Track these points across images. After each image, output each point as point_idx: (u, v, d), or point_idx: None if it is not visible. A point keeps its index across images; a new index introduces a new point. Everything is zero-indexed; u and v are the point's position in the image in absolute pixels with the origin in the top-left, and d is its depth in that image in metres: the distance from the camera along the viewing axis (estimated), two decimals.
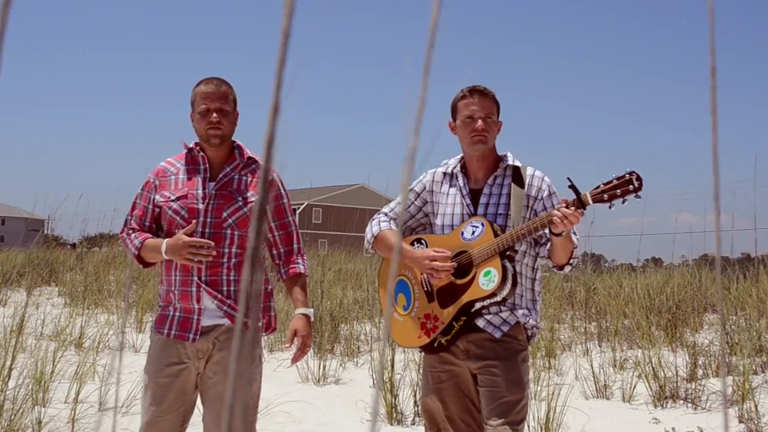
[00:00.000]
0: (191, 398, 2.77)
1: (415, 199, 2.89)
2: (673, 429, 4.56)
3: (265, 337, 7.58)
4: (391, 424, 5.00)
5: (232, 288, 2.72)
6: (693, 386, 5.54)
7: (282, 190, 2.89)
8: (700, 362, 6.06)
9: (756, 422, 4.73)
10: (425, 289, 2.78)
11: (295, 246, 2.86)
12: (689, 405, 5.40)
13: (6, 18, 0.38)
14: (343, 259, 14.01)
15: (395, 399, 5.06)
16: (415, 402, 5.07)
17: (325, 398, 5.64)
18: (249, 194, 2.77)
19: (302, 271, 2.84)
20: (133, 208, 2.86)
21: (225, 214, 2.73)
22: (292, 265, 2.84)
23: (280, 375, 6.37)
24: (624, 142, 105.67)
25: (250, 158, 2.84)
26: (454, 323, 2.68)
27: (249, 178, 2.80)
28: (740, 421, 4.89)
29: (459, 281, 2.69)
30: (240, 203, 2.75)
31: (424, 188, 2.88)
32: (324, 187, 57.23)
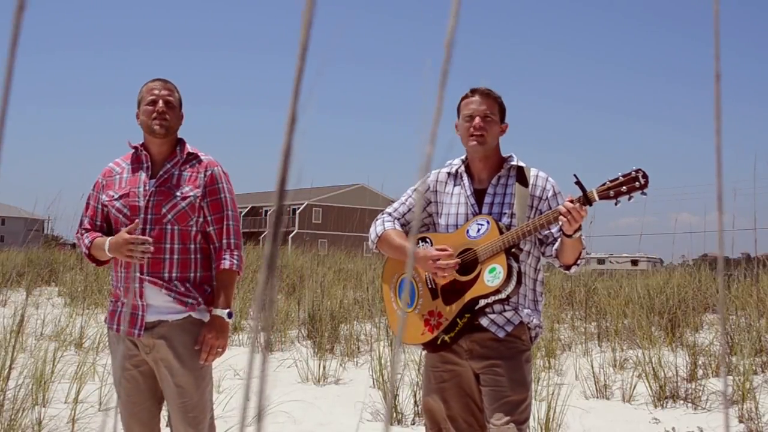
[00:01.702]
0: (159, 385, 2.83)
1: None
2: (673, 429, 4.56)
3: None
4: (391, 424, 5.00)
5: (173, 284, 2.76)
6: (693, 386, 5.54)
7: (221, 185, 2.87)
8: (700, 362, 6.06)
9: (756, 422, 4.73)
10: (429, 286, 2.77)
11: (226, 241, 2.83)
12: (689, 405, 5.40)
13: (19, 24, 0.38)
14: (343, 259, 14.00)
15: (395, 399, 5.06)
16: (416, 402, 5.06)
17: (325, 398, 5.64)
18: (187, 189, 2.81)
19: (227, 267, 2.80)
20: (86, 208, 2.94)
21: (164, 210, 2.77)
22: (219, 261, 2.82)
23: (280, 375, 6.37)
24: (624, 142, 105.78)
25: (190, 153, 2.88)
26: (458, 320, 2.68)
27: (188, 174, 2.84)
28: (740, 421, 4.88)
29: (463, 278, 2.68)
30: (178, 198, 2.79)
31: (428, 188, 2.87)
32: (324, 187, 57.24)
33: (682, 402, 5.47)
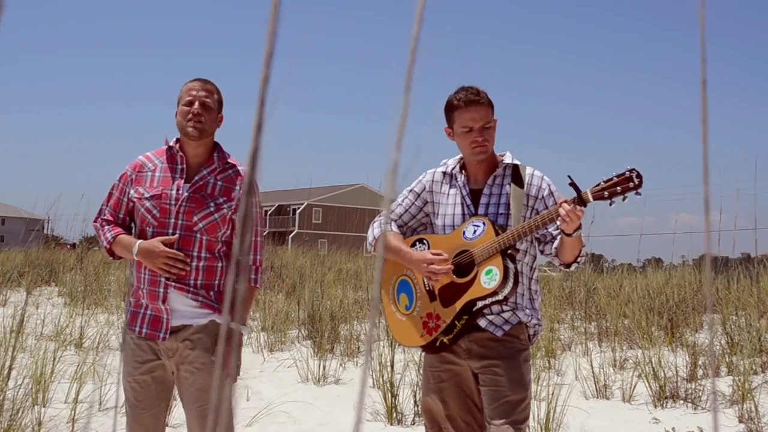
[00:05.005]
0: (170, 393, 2.80)
1: (416, 200, 2.89)
2: (673, 429, 4.56)
3: (264, 337, 7.60)
4: (391, 424, 5.00)
5: (199, 292, 2.72)
6: (693, 386, 5.54)
7: (255, 200, 2.83)
8: (700, 362, 6.06)
9: (756, 422, 4.73)
10: (427, 288, 2.77)
11: (252, 257, 2.79)
12: (689, 405, 5.40)
13: None
14: (343, 259, 14.01)
15: (395, 399, 5.06)
16: (415, 402, 5.06)
17: (325, 398, 5.64)
18: (221, 200, 2.75)
19: (252, 284, 2.82)
20: (109, 198, 2.85)
21: (196, 218, 2.72)
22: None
23: (280, 375, 6.37)
24: (624, 141, 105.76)
25: (228, 163, 2.82)
26: (456, 322, 2.68)
27: (224, 184, 2.78)
28: (740, 421, 4.88)
29: (460, 280, 2.68)
30: (212, 209, 2.74)
31: (424, 188, 2.87)
32: (324, 187, 57.25)
33: (682, 402, 5.46)
